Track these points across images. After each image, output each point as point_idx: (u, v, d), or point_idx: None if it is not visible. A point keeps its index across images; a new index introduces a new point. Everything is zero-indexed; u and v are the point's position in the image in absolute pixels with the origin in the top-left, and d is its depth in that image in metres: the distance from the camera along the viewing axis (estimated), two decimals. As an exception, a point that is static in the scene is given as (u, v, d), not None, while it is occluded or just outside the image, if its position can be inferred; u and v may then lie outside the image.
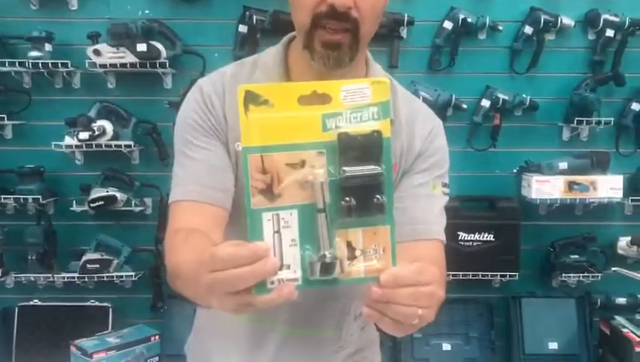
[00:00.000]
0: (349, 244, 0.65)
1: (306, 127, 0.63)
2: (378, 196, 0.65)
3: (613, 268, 2.30)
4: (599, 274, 2.43)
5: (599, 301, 2.47)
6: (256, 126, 0.62)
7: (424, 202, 1.04)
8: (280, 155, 0.63)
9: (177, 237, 0.95)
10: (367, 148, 0.64)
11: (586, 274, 2.42)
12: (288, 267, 0.63)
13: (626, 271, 2.21)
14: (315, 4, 0.89)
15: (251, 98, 0.62)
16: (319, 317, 1.11)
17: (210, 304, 0.71)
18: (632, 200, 2.44)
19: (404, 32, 2.41)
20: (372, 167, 0.64)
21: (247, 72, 1.05)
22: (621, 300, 2.47)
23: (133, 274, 2.42)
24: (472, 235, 2.40)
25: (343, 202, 0.64)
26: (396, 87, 1.09)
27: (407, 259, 0.95)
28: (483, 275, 2.41)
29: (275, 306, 0.87)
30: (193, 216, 0.97)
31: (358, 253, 0.65)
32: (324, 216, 0.63)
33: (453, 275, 2.39)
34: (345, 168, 0.63)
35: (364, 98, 0.65)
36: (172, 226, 0.99)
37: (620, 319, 2.40)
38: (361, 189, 0.64)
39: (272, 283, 0.62)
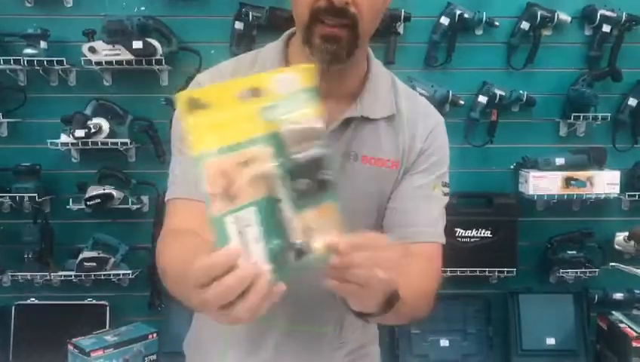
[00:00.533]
0: (308, 225, 0.66)
1: (248, 123, 0.63)
2: (325, 173, 0.68)
3: (612, 264, 2.30)
4: (597, 270, 2.43)
5: (597, 296, 2.47)
6: (202, 131, 0.61)
7: (423, 204, 1.04)
8: (230, 156, 0.62)
9: (168, 237, 0.96)
10: (307, 131, 0.66)
11: (583, 270, 2.43)
12: (257, 266, 0.62)
13: (623, 266, 2.22)
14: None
15: (194, 104, 0.60)
16: (320, 314, 1.11)
17: (197, 308, 0.71)
18: (628, 195, 2.44)
19: (400, 28, 2.40)
20: (316, 148, 0.67)
21: (246, 68, 1.04)
22: (618, 296, 2.47)
23: (130, 272, 2.41)
24: (470, 232, 2.40)
25: (299, 185, 0.65)
26: (397, 85, 1.09)
27: (412, 270, 0.97)
28: (480, 271, 2.41)
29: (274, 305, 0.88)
30: (188, 214, 0.97)
31: (316, 232, 0.66)
32: (284, 204, 0.64)
33: (450, 271, 2.38)
34: (294, 155, 0.65)
35: (294, 85, 0.67)
36: (167, 225, 1.01)
37: (617, 314, 2.40)
38: (312, 171, 0.66)
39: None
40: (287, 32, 1.07)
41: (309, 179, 0.66)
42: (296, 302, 1.05)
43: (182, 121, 0.61)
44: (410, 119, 1.06)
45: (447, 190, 1.10)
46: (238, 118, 0.63)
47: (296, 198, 0.65)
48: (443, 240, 1.07)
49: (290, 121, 0.65)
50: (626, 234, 2.43)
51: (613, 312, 2.42)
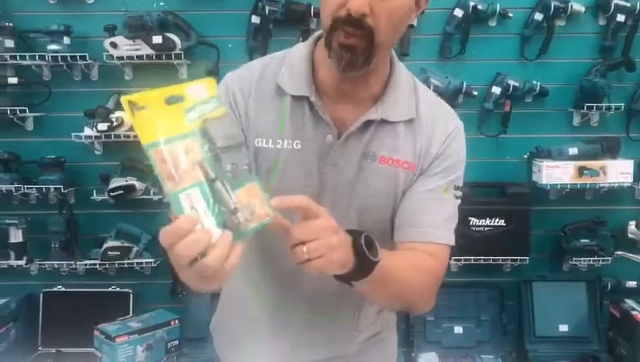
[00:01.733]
0: (241, 201, 0.79)
1: (178, 120, 0.77)
2: (244, 160, 0.83)
3: (618, 252, 2.32)
4: (609, 258, 2.46)
5: (609, 284, 2.50)
6: (145, 127, 0.74)
7: (433, 206, 1.08)
8: (169, 146, 0.75)
9: None
10: (223, 125, 0.81)
11: (596, 258, 2.45)
12: (211, 234, 0.75)
13: (630, 254, 2.24)
14: (336, 8, 0.93)
15: (134, 106, 0.74)
16: (338, 304, 1.16)
17: (194, 287, 0.81)
18: (641, 184, 2.46)
19: (415, 21, 2.43)
20: (233, 139, 0.82)
21: (274, 68, 1.08)
22: (631, 283, 2.50)
23: (152, 260, 2.49)
24: (484, 220, 2.44)
25: (229, 166, 0.80)
26: (419, 89, 1.12)
27: (406, 256, 1.03)
28: (494, 260, 2.45)
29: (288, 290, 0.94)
30: None
31: (249, 205, 0.80)
32: (220, 182, 0.78)
33: (464, 259, 2.45)
34: (217, 144, 0.79)
35: (203, 94, 0.81)
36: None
37: (630, 302, 2.43)
38: (233, 155, 0.81)
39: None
40: (316, 34, 1.10)
41: (232, 163, 0.80)
42: (315, 293, 1.11)
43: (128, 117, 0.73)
44: (428, 124, 1.09)
45: (459, 193, 1.13)
46: (169, 118, 0.76)
47: (227, 179, 0.79)
48: (451, 241, 1.10)
49: (210, 118, 0.80)
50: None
51: (626, 300, 2.45)
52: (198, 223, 0.73)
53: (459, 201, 1.13)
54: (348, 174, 1.06)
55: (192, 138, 0.77)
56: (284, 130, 1.04)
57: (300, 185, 1.04)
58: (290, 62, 1.07)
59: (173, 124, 0.76)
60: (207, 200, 0.76)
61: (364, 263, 0.89)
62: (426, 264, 1.06)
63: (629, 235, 2.47)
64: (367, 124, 1.05)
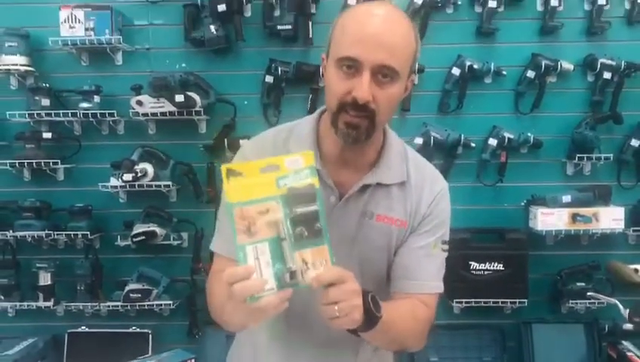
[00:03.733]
0: (303, 260, 0.94)
1: (267, 186, 0.93)
2: (318, 224, 0.95)
3: (589, 293, 2.43)
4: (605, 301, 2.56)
5: (607, 327, 2.59)
6: (235, 189, 0.91)
7: (425, 262, 1.25)
8: (252, 207, 0.91)
9: (213, 278, 1.23)
10: (306, 195, 0.95)
11: (592, 301, 2.55)
12: (267, 281, 0.91)
13: (599, 295, 2.34)
14: (343, 94, 1.09)
15: (231, 173, 0.91)
16: (338, 341, 1.28)
17: (231, 320, 0.98)
18: (633, 230, 2.59)
19: (415, 79, 2.61)
20: (312, 206, 0.95)
21: (284, 139, 1.25)
22: (628, 326, 2.57)
23: (171, 302, 2.64)
24: (483, 265, 2.57)
25: (297, 231, 0.93)
26: (408, 154, 1.28)
27: (404, 306, 1.21)
28: (494, 302, 2.57)
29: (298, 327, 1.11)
30: (224, 266, 1.20)
31: (309, 265, 0.95)
32: (286, 242, 0.92)
33: (466, 302, 2.57)
34: (295, 209, 0.93)
35: (300, 164, 0.96)
36: (212, 269, 1.27)
37: (626, 344, 2.52)
38: (307, 221, 0.94)
39: (261, 295, 0.91)
40: (320, 110, 1.27)
41: (306, 227, 0.94)
42: (322, 331, 1.26)
43: (223, 182, 0.92)
44: (417, 186, 1.24)
45: (446, 247, 1.29)
46: (260, 184, 0.92)
47: (297, 239, 0.93)
48: (441, 289, 1.28)
49: (295, 187, 0.94)
50: (636, 266, 2.56)
51: (623, 342, 2.54)
52: (253, 273, 0.89)
53: (446, 254, 1.30)
54: (349, 230, 1.22)
55: (276, 201, 0.92)
56: None
57: None
58: (298, 135, 1.24)
59: (261, 189, 0.92)
60: (273, 255, 0.91)
61: (370, 318, 1.05)
62: (422, 313, 1.24)
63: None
64: (365, 187, 1.22)
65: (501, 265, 2.57)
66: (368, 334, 1.09)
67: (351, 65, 1.08)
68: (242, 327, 1.13)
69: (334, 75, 1.11)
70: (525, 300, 2.56)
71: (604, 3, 2.56)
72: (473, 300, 2.56)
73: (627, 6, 2.61)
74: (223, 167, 0.90)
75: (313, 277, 0.95)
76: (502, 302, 2.57)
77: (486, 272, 2.57)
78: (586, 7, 2.61)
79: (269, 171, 0.93)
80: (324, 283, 0.96)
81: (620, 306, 1.94)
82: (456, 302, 2.59)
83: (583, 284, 2.59)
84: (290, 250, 0.93)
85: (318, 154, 1.21)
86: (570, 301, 2.59)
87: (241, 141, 2.46)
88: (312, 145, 1.22)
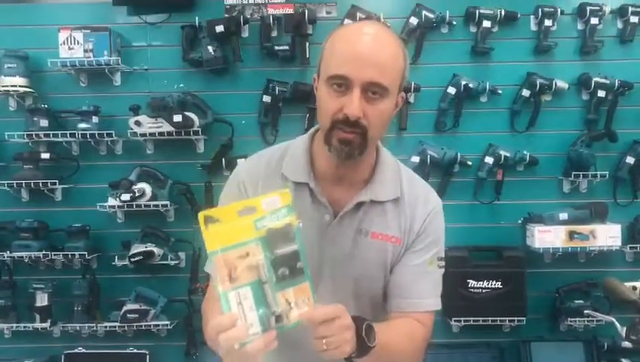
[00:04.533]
0: (286, 301, 0.94)
1: (245, 230, 0.92)
2: (299, 263, 0.95)
3: (586, 311, 2.43)
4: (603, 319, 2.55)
5: (606, 344, 2.59)
6: (214, 236, 0.89)
7: (420, 280, 1.25)
8: (232, 252, 0.90)
9: (207, 304, 1.24)
10: (285, 235, 0.95)
11: (590, 319, 2.55)
12: (252, 325, 0.90)
13: (596, 313, 2.34)
14: (335, 112, 1.11)
15: (209, 219, 0.89)
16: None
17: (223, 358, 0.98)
18: (630, 247, 2.60)
19: (411, 98, 2.66)
20: (292, 246, 0.95)
21: (278, 158, 1.26)
22: (626, 344, 2.57)
23: (168, 323, 2.62)
24: (481, 283, 2.57)
25: (279, 272, 0.93)
26: (402, 172, 1.29)
27: (399, 327, 1.21)
28: (492, 320, 2.56)
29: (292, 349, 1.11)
30: None
31: (292, 305, 0.95)
32: (267, 285, 0.92)
33: (464, 321, 2.57)
34: (276, 251, 0.93)
35: (277, 204, 0.95)
36: (208, 292, 1.28)
37: (625, 362, 2.52)
38: (288, 262, 0.94)
39: (246, 341, 0.90)
40: (313, 129, 1.29)
41: (288, 267, 0.94)
42: (308, 355, 1.26)
43: (201, 231, 0.90)
44: (410, 203, 1.25)
45: (442, 263, 1.30)
46: (238, 228, 0.91)
47: (279, 281, 0.93)
48: (438, 306, 1.28)
49: (273, 228, 0.94)
50: (632, 284, 2.56)
51: (622, 360, 2.54)
52: (237, 320, 0.89)
53: (442, 270, 1.30)
54: (345, 248, 1.23)
55: (256, 243, 0.92)
56: None
57: None
58: (292, 154, 1.25)
59: (240, 233, 0.91)
60: (256, 298, 0.91)
61: (363, 346, 1.05)
62: (418, 333, 1.24)
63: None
64: (360, 204, 1.22)
65: (499, 283, 2.57)
66: (362, 360, 1.08)
67: (341, 84, 1.10)
68: None
69: (325, 93, 1.13)
70: (524, 318, 2.56)
71: (597, 23, 2.60)
72: (472, 318, 2.56)
73: (620, 25, 2.65)
74: (200, 215, 0.89)
75: (305, 317, 0.96)
76: (500, 321, 2.57)
77: (484, 290, 2.57)
78: (580, 26, 2.65)
79: (247, 214, 0.93)
80: (315, 322, 0.97)
81: (617, 324, 1.92)
82: (455, 321, 2.58)
83: (581, 302, 2.59)
84: (273, 292, 0.93)
85: (311, 172, 1.22)
86: (569, 319, 2.59)
87: (238, 160, 2.47)
88: (306, 163, 1.23)
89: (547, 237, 2.53)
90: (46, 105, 2.63)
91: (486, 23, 2.59)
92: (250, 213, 0.93)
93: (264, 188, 1.23)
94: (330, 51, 1.14)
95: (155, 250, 2.59)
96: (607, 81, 2.59)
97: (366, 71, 1.08)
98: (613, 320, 1.99)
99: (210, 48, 2.59)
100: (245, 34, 2.67)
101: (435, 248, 1.28)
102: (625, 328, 1.86)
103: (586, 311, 2.47)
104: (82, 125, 2.61)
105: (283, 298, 0.94)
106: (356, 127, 1.11)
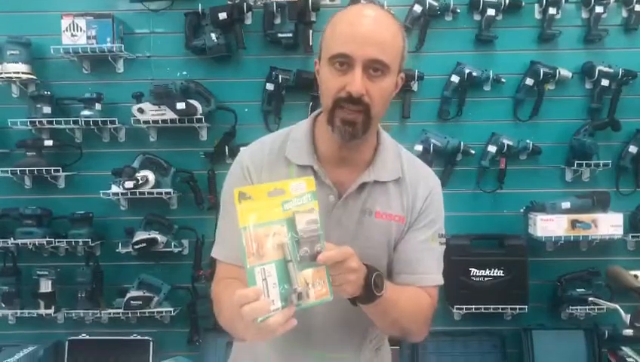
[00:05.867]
0: (305, 281, 0.98)
1: (273, 210, 0.97)
2: (318, 246, 1.00)
3: (590, 298, 2.44)
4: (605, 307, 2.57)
5: (607, 332, 2.60)
6: (246, 212, 0.94)
7: (425, 255, 1.28)
8: (261, 230, 0.95)
9: (219, 286, 1.25)
10: (309, 218, 1.00)
11: (592, 307, 2.56)
12: (273, 301, 0.95)
13: (601, 300, 2.35)
14: (337, 90, 1.13)
15: (242, 196, 0.95)
16: (342, 342, 1.32)
17: (242, 336, 0.99)
18: (632, 236, 2.61)
19: (415, 86, 2.66)
20: (314, 230, 1.00)
21: (281, 143, 1.28)
22: (628, 331, 2.59)
23: (171, 309, 2.64)
24: (483, 271, 2.58)
25: (301, 253, 0.98)
26: (402, 152, 1.32)
27: (409, 291, 1.23)
28: (494, 308, 2.58)
29: (299, 331, 1.13)
30: (228, 272, 1.25)
31: (310, 286, 0.99)
32: (292, 264, 0.97)
33: (466, 309, 2.58)
34: (300, 232, 0.98)
35: (303, 189, 1.01)
36: (216, 276, 1.29)
37: (626, 350, 2.53)
38: (310, 243, 0.99)
39: (268, 316, 0.94)
40: (315, 113, 1.31)
41: (307, 249, 0.99)
42: (322, 332, 1.27)
43: (235, 205, 0.94)
44: (412, 182, 1.29)
45: (443, 240, 1.33)
46: (267, 207, 0.97)
47: (301, 261, 0.98)
48: (441, 281, 1.31)
49: (299, 211, 0.99)
50: (636, 272, 2.57)
51: (622, 347, 2.55)
52: (261, 295, 0.92)
53: (444, 247, 1.33)
54: (350, 228, 1.25)
55: (282, 224, 0.97)
56: None
57: None
58: (295, 138, 1.27)
59: (268, 212, 0.96)
60: (280, 276, 0.96)
61: (369, 293, 1.08)
62: (425, 301, 1.27)
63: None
64: (363, 185, 1.25)
65: (501, 272, 2.58)
66: (369, 309, 1.12)
67: (343, 62, 1.12)
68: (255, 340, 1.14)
69: (328, 72, 1.15)
70: (525, 306, 2.57)
71: (602, 11, 2.59)
72: (474, 306, 2.57)
73: (624, 14, 2.64)
74: (235, 191, 0.94)
75: (323, 254, 0.99)
76: (502, 309, 2.59)
77: (486, 278, 2.58)
78: (584, 15, 2.64)
79: (276, 195, 0.98)
80: (331, 261, 1.00)
81: (622, 311, 1.94)
82: (457, 309, 2.60)
83: (583, 290, 2.60)
84: (295, 271, 0.97)
85: (315, 155, 1.24)
86: (570, 307, 2.60)
87: (241, 148, 2.47)
88: (309, 146, 1.25)
89: (549, 226, 2.54)
90: (49, 92, 2.63)
91: (490, 11, 2.58)
92: (278, 195, 0.98)
93: (268, 172, 1.25)
94: (331, 33, 1.16)
95: (159, 237, 2.60)
96: (611, 70, 2.58)
97: (367, 49, 1.11)
98: (617, 307, 2.01)
99: (213, 35, 2.59)
100: (248, 21, 2.66)
101: (437, 225, 1.30)
102: (629, 315, 1.87)
103: (590, 299, 2.48)
104: (85, 112, 2.61)
105: (302, 278, 0.98)
106: (359, 105, 1.13)
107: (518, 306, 2.58)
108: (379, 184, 1.26)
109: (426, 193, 1.29)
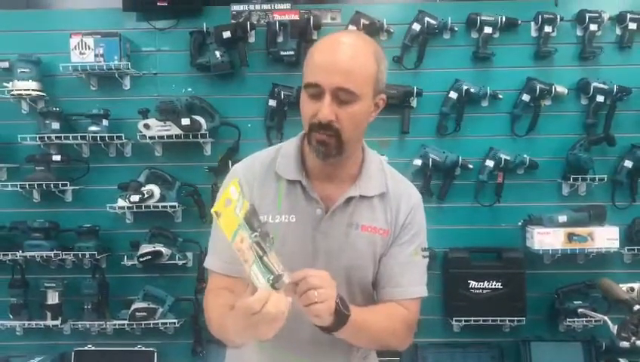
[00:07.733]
0: (280, 265, 1.07)
1: (233, 219, 1.05)
2: (268, 232, 1.08)
3: (580, 310, 2.48)
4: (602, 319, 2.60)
5: (604, 344, 2.63)
6: (223, 228, 1.04)
7: (406, 269, 1.34)
8: (236, 239, 1.04)
9: (210, 295, 1.32)
10: (252, 214, 1.07)
11: (589, 319, 2.59)
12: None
13: (591, 312, 2.40)
14: (311, 116, 1.21)
15: (217, 214, 1.05)
16: (331, 351, 1.36)
17: (233, 343, 1.09)
18: (628, 249, 2.65)
19: (414, 102, 2.71)
20: (260, 219, 1.09)
21: (272, 158, 1.35)
22: (625, 344, 2.61)
23: (175, 321, 2.68)
24: (482, 283, 2.63)
25: (267, 244, 1.06)
26: (385, 169, 1.39)
27: (377, 308, 1.31)
28: (493, 320, 2.62)
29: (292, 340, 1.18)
30: (219, 282, 1.32)
31: (283, 268, 1.08)
32: (265, 257, 1.05)
33: (465, 320, 2.62)
34: (257, 228, 1.06)
35: (236, 192, 1.07)
36: (209, 286, 1.36)
37: (623, 362, 2.57)
38: (266, 233, 1.07)
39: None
40: (304, 131, 1.34)
41: (267, 238, 1.07)
42: (311, 341, 1.32)
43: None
44: (395, 197, 1.35)
45: (426, 253, 1.39)
46: (229, 218, 1.05)
47: (268, 251, 1.06)
48: (424, 293, 1.37)
49: (245, 211, 1.07)
50: (628, 285, 2.60)
51: (620, 359, 2.58)
52: (270, 295, 1.02)
53: (427, 260, 1.39)
54: (337, 240, 1.31)
55: (242, 228, 1.05)
56: (281, 207, 1.31)
57: (297, 251, 1.28)
58: (285, 154, 1.34)
59: (232, 222, 1.04)
60: (262, 270, 1.05)
61: (339, 316, 1.14)
62: (398, 313, 1.32)
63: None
64: (349, 199, 1.31)
65: (499, 284, 2.62)
66: (342, 333, 1.18)
67: (315, 90, 1.19)
68: (250, 341, 1.18)
69: (304, 99, 1.23)
70: (523, 318, 2.61)
71: (596, 29, 2.65)
72: (472, 318, 2.61)
73: (618, 32, 2.70)
74: (213, 211, 1.05)
75: (288, 282, 1.07)
76: (500, 321, 2.63)
77: (485, 291, 2.62)
78: (579, 33, 2.70)
79: (229, 205, 1.06)
80: (295, 281, 1.09)
81: (609, 323, 1.98)
82: (456, 321, 2.64)
83: (580, 302, 2.63)
84: (270, 261, 1.06)
85: (303, 170, 1.31)
86: (568, 319, 2.64)
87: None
88: (297, 162, 1.32)
89: (546, 239, 2.59)
90: (58, 109, 2.69)
91: (487, 29, 2.65)
92: (229, 205, 1.06)
93: (259, 187, 1.32)
94: (308, 61, 1.24)
95: (163, 249, 2.65)
96: (606, 87, 2.64)
97: (333, 78, 1.17)
98: (606, 318, 2.05)
99: (217, 53, 2.66)
100: (252, 39, 2.73)
101: (419, 239, 1.36)
102: (616, 326, 1.91)
103: (580, 310, 2.52)
104: (93, 128, 2.67)
105: (277, 264, 1.06)
106: (328, 130, 1.20)
107: (516, 318, 2.62)
108: (364, 198, 1.32)
109: (408, 208, 1.35)
